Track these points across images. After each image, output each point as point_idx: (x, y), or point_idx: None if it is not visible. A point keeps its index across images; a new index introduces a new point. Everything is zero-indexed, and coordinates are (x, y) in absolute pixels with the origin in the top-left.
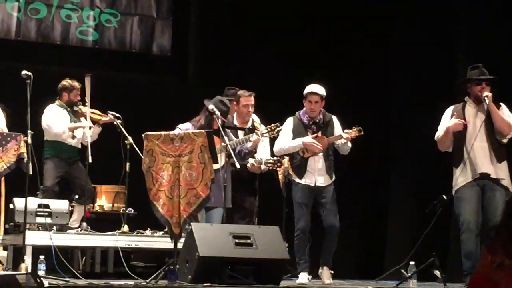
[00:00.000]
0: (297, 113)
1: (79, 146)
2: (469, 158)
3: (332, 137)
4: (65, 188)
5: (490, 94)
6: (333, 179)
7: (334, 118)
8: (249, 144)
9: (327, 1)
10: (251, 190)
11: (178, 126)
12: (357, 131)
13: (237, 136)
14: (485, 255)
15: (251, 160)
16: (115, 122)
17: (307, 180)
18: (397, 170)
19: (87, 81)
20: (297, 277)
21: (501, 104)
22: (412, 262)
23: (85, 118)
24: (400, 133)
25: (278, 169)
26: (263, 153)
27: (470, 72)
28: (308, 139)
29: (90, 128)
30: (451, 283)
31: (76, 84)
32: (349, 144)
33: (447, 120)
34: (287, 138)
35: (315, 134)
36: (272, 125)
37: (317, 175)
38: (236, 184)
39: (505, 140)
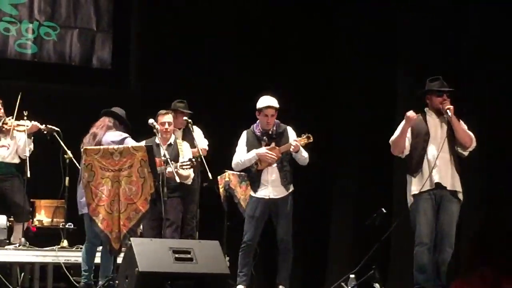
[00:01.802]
0: (252, 126)
1: (14, 161)
2: (429, 168)
3: (283, 146)
4: (1, 204)
5: (451, 107)
6: (289, 191)
7: (289, 128)
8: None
9: (268, 14)
10: (179, 201)
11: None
12: (306, 138)
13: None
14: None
15: (169, 169)
16: (42, 129)
17: (261, 192)
18: (337, 181)
19: (18, 99)
20: None
21: (459, 119)
22: (352, 275)
23: (9, 134)
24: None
25: (219, 182)
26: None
27: (431, 84)
28: (262, 150)
29: (7, 147)
30: None
31: None
32: (304, 154)
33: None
34: (242, 152)
35: (269, 146)
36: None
37: (271, 187)
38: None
39: (465, 153)
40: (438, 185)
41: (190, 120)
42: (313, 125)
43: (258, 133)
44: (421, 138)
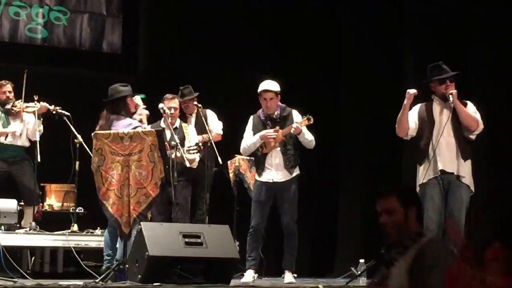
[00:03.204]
0: (258, 111)
1: (24, 144)
2: (434, 155)
3: (285, 129)
4: (13, 188)
5: (454, 91)
6: (293, 175)
7: (294, 112)
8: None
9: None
10: (185, 185)
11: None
12: (306, 120)
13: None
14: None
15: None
16: (51, 109)
17: (265, 176)
18: (346, 167)
19: (24, 76)
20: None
21: (467, 101)
22: (361, 260)
23: (19, 116)
24: (351, 129)
25: (229, 167)
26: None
27: (432, 72)
28: (263, 132)
29: (20, 133)
30: None
31: (3, 82)
32: (308, 137)
33: (413, 115)
34: (248, 137)
35: (273, 129)
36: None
37: (275, 170)
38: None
39: (472, 137)
40: (443, 172)
41: (200, 105)
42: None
43: (263, 118)
44: (426, 126)
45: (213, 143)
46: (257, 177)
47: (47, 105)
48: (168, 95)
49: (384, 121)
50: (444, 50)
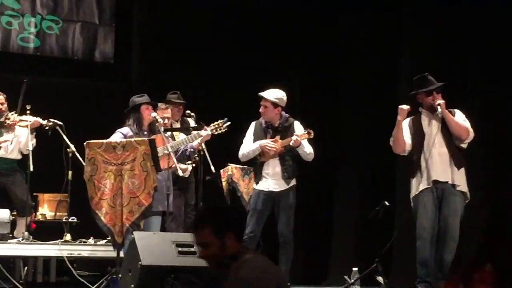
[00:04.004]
0: (260, 118)
1: (17, 157)
2: (427, 166)
3: (284, 140)
4: (3, 199)
5: (442, 102)
6: (290, 185)
7: (296, 123)
8: (195, 142)
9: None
10: (178, 194)
11: (118, 130)
12: (307, 134)
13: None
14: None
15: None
16: (45, 126)
17: (262, 185)
18: (341, 175)
19: (23, 87)
20: None
21: (455, 110)
22: (355, 268)
23: (11, 130)
24: (347, 137)
25: (222, 176)
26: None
27: (418, 84)
28: (264, 140)
29: (10, 142)
30: None
31: None
32: (307, 150)
33: (405, 130)
34: (248, 143)
35: (273, 139)
36: (220, 121)
37: (272, 180)
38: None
39: (464, 145)
40: (436, 182)
41: (193, 114)
42: (318, 118)
43: (264, 125)
44: (418, 139)
45: (205, 151)
46: (254, 185)
47: (40, 120)
48: (161, 105)
49: (382, 129)
50: (443, 54)
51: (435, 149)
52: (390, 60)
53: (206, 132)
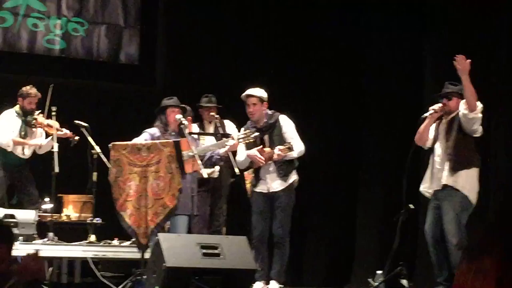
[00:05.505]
0: (248, 121)
1: (28, 156)
2: (433, 170)
3: (268, 154)
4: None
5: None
6: (289, 182)
7: (282, 117)
8: (222, 150)
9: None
10: (205, 195)
11: (145, 130)
12: (287, 149)
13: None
14: (462, 264)
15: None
16: (70, 139)
17: (260, 187)
18: (365, 178)
19: (49, 91)
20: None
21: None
22: (379, 272)
23: (38, 128)
24: (370, 138)
25: (246, 178)
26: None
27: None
28: (252, 151)
29: (40, 147)
30: None
31: (32, 91)
32: (293, 155)
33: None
34: (241, 150)
35: (260, 147)
36: (248, 131)
37: (270, 180)
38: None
39: (477, 134)
40: (436, 185)
41: (217, 116)
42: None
43: (251, 128)
44: (432, 141)
45: (230, 153)
46: (253, 188)
47: (69, 133)
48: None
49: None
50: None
51: (439, 153)
52: (415, 60)
53: (234, 141)
